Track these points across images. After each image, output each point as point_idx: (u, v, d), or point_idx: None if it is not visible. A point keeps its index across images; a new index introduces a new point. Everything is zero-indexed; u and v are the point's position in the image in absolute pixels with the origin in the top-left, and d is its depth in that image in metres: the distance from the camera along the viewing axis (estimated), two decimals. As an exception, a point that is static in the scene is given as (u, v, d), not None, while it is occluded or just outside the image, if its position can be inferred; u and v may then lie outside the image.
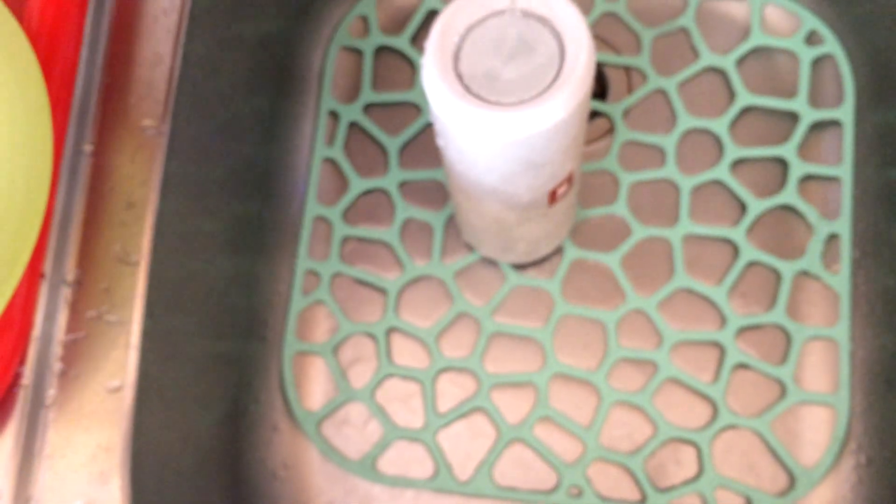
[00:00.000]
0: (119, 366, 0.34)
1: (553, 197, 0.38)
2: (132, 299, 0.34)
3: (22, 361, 0.34)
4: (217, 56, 0.41)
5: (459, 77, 0.31)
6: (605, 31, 0.51)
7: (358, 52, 0.52)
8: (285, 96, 0.50)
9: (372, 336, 0.48)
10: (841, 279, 0.46)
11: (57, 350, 0.34)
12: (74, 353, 0.34)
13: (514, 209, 0.38)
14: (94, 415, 0.34)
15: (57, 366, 0.34)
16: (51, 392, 0.34)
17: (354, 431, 0.47)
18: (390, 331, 0.48)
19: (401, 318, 0.48)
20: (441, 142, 0.35)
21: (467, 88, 0.31)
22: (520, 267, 0.48)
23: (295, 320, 0.48)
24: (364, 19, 0.52)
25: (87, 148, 0.35)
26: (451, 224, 0.49)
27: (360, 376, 0.48)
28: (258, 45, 0.46)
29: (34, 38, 0.34)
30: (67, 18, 0.35)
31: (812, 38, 0.49)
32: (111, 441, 0.33)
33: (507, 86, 0.31)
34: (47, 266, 0.34)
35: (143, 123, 0.36)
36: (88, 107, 0.36)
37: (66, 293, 0.35)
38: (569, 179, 0.38)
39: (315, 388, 0.48)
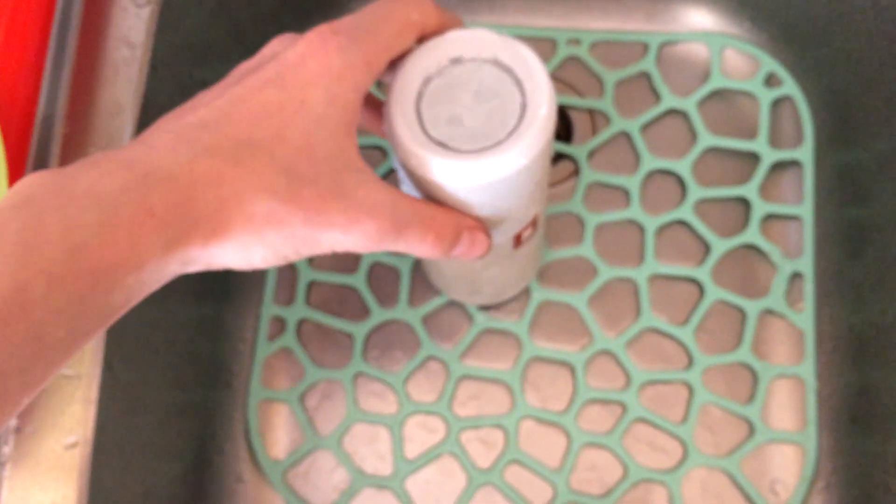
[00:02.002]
0: (76, 421, 0.33)
1: (518, 240, 0.38)
2: (90, 352, 0.34)
3: (-24, 418, 0.33)
4: (179, 103, 0.41)
5: (422, 124, 0.31)
6: (568, 75, 0.52)
7: (323, 97, 0.52)
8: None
9: (339, 382, 0.48)
10: (805, 317, 0.47)
11: (13, 405, 0.34)
12: (30, 409, 0.33)
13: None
14: (51, 472, 0.33)
15: (12, 422, 0.33)
16: (6, 449, 0.33)
17: (322, 480, 0.46)
18: (357, 376, 0.48)
19: (368, 362, 0.48)
20: (405, 188, 0.35)
21: (429, 136, 0.31)
22: (487, 309, 0.48)
23: (260, 367, 0.48)
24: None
25: (45, 199, 0.35)
26: (418, 268, 0.49)
27: (327, 423, 0.47)
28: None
29: (-9, 90, 0.34)
30: (25, 69, 0.35)
31: (771, 80, 0.50)
32: (67, 499, 0.33)
33: (469, 133, 0.31)
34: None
35: (103, 174, 0.35)
36: (47, 158, 0.35)
37: (22, 347, 0.34)
38: (533, 223, 0.38)
39: (281, 437, 0.47)
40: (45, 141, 0.35)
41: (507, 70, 0.31)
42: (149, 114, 0.37)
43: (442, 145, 0.31)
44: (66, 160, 0.35)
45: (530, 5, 0.52)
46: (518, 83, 0.31)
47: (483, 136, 0.31)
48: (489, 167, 0.30)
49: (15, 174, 0.34)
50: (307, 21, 0.51)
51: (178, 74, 0.40)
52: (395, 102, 0.31)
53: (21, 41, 0.35)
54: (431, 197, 0.33)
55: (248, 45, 0.46)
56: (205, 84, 0.44)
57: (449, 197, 0.32)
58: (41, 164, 0.35)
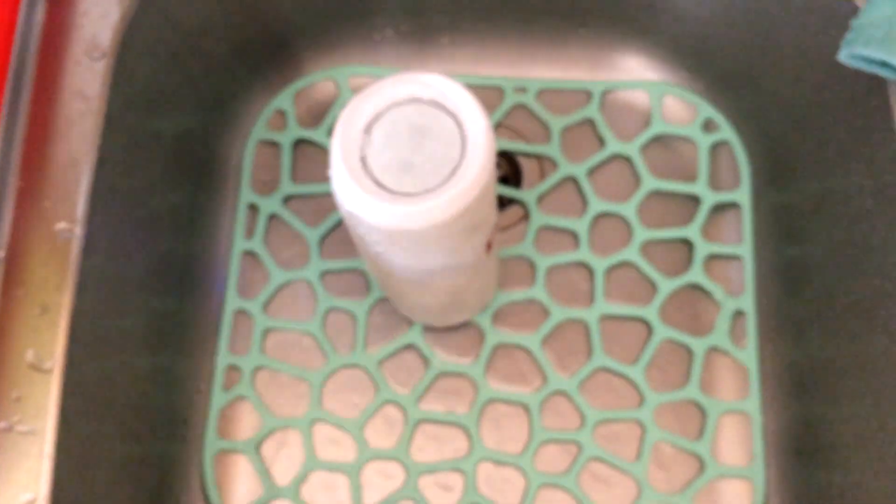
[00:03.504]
0: (32, 477, 0.32)
1: (489, 247, 0.39)
2: (46, 408, 0.33)
3: (-75, 479, 0.32)
4: (134, 154, 0.41)
5: (375, 180, 0.32)
6: (516, 122, 0.53)
7: (276, 145, 0.53)
8: (204, 191, 0.50)
9: (296, 430, 0.48)
10: (748, 354, 0.48)
11: (-36, 464, 0.33)
12: (-17, 467, 0.33)
13: (463, 273, 0.39)
14: (4, 532, 0.32)
15: (-36, 481, 0.33)
16: (-43, 510, 0.32)
17: (280, 530, 0.46)
18: (314, 422, 0.48)
19: (325, 409, 0.48)
20: (379, 248, 0.35)
21: (386, 188, 0.32)
22: (443, 351, 0.49)
23: (216, 418, 0.47)
24: (282, 113, 0.53)
25: (0, 254, 0.35)
26: (374, 312, 0.50)
27: (285, 472, 0.47)
28: (175, 141, 0.46)
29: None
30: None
31: (709, 126, 0.52)
32: (22, 560, 0.32)
33: (422, 170, 0.32)
34: (-46, 376, 0.33)
35: (58, 227, 0.35)
36: (2, 212, 0.35)
37: (-26, 404, 0.33)
38: (496, 228, 0.39)
39: (239, 488, 0.47)
40: (-2, 194, 0.35)
41: (442, 108, 0.33)
42: (104, 167, 0.37)
43: (400, 194, 0.32)
44: (20, 213, 0.35)
45: (478, 55, 0.54)
46: (454, 117, 0.33)
47: (438, 169, 0.32)
48: (462, 192, 0.32)
49: (-33, 228, 0.34)
50: (258, 72, 0.52)
51: (133, 126, 0.40)
52: (342, 167, 0.32)
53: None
54: (416, 242, 0.34)
55: (201, 94, 0.47)
56: (158, 135, 0.44)
57: (434, 233, 0.33)
58: (-6, 217, 0.35)
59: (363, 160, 0.33)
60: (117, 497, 0.39)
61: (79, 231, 0.35)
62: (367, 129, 0.33)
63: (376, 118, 0.33)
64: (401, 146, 0.33)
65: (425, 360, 0.49)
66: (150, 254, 0.43)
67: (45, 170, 0.36)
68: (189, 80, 0.47)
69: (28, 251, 0.35)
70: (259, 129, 0.52)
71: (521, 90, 0.54)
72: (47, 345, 0.34)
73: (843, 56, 0.38)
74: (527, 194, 0.52)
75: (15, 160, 0.36)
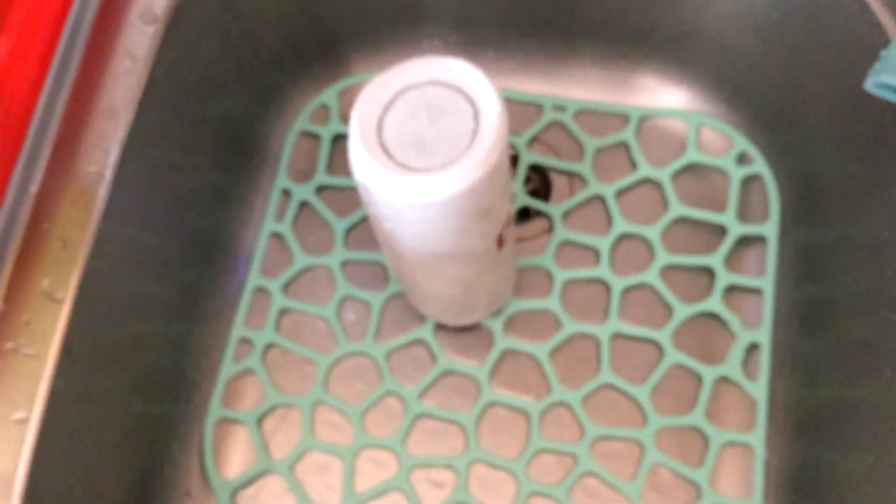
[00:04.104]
0: (28, 398, 0.34)
1: (500, 241, 0.40)
2: (52, 335, 0.35)
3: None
4: (173, 121, 0.43)
5: (388, 154, 0.33)
6: (551, 139, 0.54)
7: (316, 137, 0.55)
8: (240, 170, 0.52)
9: (298, 408, 0.48)
10: (759, 387, 0.47)
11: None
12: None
13: (473, 263, 0.40)
14: (-4, 444, 0.34)
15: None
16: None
17: None
18: (317, 404, 0.49)
19: (329, 392, 0.49)
20: (389, 224, 0.37)
21: (397, 161, 0.33)
22: (452, 350, 0.49)
23: (223, 387, 0.48)
24: (326, 108, 0.55)
25: (33, 188, 0.37)
26: (389, 305, 0.51)
27: (282, 448, 0.48)
28: (218, 118, 0.48)
29: (-5, 82, 0.36)
30: (30, 68, 0.37)
31: (743, 159, 0.52)
32: (8, 472, 0.33)
33: (435, 148, 0.33)
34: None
35: (88, 170, 0.37)
36: (40, 151, 0.38)
37: (-14, 323, 0.35)
38: (507, 222, 0.40)
39: (234, 457, 0.48)
40: (40, 136, 0.38)
41: (458, 90, 0.34)
42: (141, 122, 0.39)
43: (412, 168, 0.33)
44: (57, 154, 0.38)
45: (521, 71, 0.55)
46: (469, 99, 0.34)
47: (449, 148, 0.33)
48: (469, 170, 0.33)
49: (6, 162, 0.36)
50: (307, 66, 0.54)
51: (175, 94, 0.42)
52: (358, 138, 0.33)
53: (30, 44, 0.38)
54: (423, 219, 0.35)
55: (250, 79, 0.49)
56: (202, 109, 0.46)
57: (439, 211, 0.34)
58: (34, 156, 0.37)
59: (379, 134, 0.34)
60: (113, 439, 0.40)
61: (108, 175, 0.37)
62: (387, 106, 0.34)
63: (397, 96, 0.35)
64: (416, 124, 0.34)
65: (433, 357, 0.49)
66: (177, 221, 0.45)
67: (86, 118, 0.38)
68: (238, 63, 0.49)
69: (58, 189, 0.37)
70: (302, 121, 0.55)
71: (560, 108, 0.55)
72: (63, 277, 0.36)
73: (869, 85, 0.38)
74: (554, 208, 0.52)
75: (60, 107, 0.38)
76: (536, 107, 0.55)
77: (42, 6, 0.38)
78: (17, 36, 0.37)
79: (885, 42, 0.40)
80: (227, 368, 0.49)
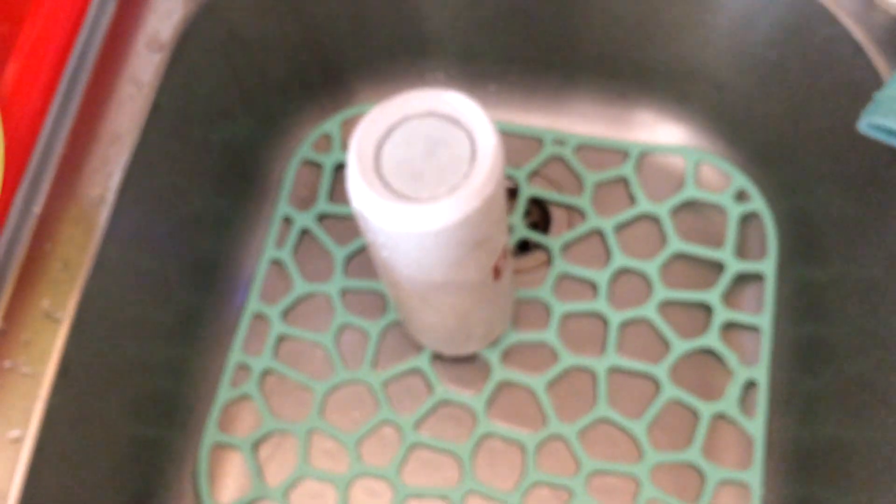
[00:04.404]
0: (24, 416, 0.34)
1: (497, 272, 0.40)
2: (50, 354, 0.35)
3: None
4: (176, 146, 0.44)
5: (386, 183, 0.34)
6: (551, 172, 0.55)
7: (318, 166, 0.55)
8: (243, 198, 0.52)
9: (294, 435, 0.48)
10: (756, 425, 0.47)
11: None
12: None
13: (469, 294, 0.40)
14: (-10, 464, 0.34)
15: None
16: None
17: (261, 530, 0.46)
18: (312, 432, 0.48)
19: (325, 419, 0.49)
20: (385, 253, 0.37)
21: (394, 191, 0.34)
22: (448, 380, 0.49)
23: (219, 411, 0.48)
24: (328, 137, 0.56)
25: (36, 209, 0.37)
26: (387, 334, 0.51)
27: (276, 474, 0.48)
28: (221, 145, 0.49)
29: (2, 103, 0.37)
30: (37, 93, 0.38)
31: (741, 196, 0.53)
32: (2, 491, 0.33)
33: (431, 179, 0.34)
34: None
35: (92, 193, 0.38)
36: (44, 173, 0.38)
37: (-14, 343, 0.35)
38: (504, 254, 0.40)
39: (228, 483, 0.48)
40: (45, 158, 0.38)
41: (454, 121, 0.34)
42: (145, 147, 0.40)
43: (410, 198, 0.34)
44: (61, 176, 0.38)
45: (523, 105, 0.56)
46: (465, 130, 0.34)
47: (445, 178, 0.34)
48: (463, 201, 0.33)
49: (11, 186, 0.37)
50: (311, 95, 0.55)
51: (179, 120, 0.43)
52: (356, 167, 0.34)
53: (38, 69, 0.38)
54: (418, 248, 0.35)
55: (254, 106, 0.50)
56: (205, 135, 0.47)
57: (434, 241, 0.34)
58: (38, 177, 0.38)
59: (377, 164, 0.35)
60: (107, 461, 0.40)
61: (110, 199, 0.38)
62: (385, 136, 0.35)
63: (394, 127, 0.35)
64: (414, 155, 0.34)
65: (429, 387, 0.49)
66: (178, 245, 0.46)
67: (90, 142, 0.39)
68: (243, 90, 0.50)
69: (61, 211, 0.37)
70: (305, 149, 0.55)
71: (561, 143, 0.55)
72: (62, 297, 0.36)
73: (863, 126, 0.38)
74: (552, 241, 0.53)
75: (65, 130, 0.39)
76: (537, 140, 0.55)
77: (51, 33, 0.39)
78: (26, 60, 0.38)
79: (879, 84, 0.41)
80: (224, 393, 0.49)
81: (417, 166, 0.34)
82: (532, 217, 0.55)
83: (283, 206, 0.54)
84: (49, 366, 0.35)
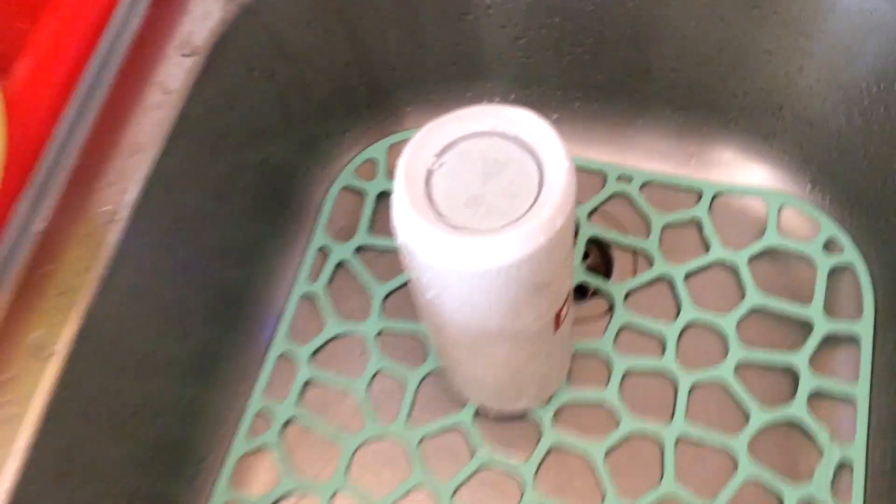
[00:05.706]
0: None
1: (557, 321, 0.35)
2: (35, 394, 0.30)
3: None
4: (203, 164, 0.39)
5: (437, 211, 0.29)
6: (615, 211, 0.49)
7: (360, 194, 0.50)
8: (276, 225, 0.48)
9: (316, 496, 0.43)
10: (851, 512, 0.41)
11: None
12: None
13: (525, 345, 0.35)
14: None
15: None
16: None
17: None
18: (337, 493, 0.43)
19: (352, 480, 0.43)
20: (432, 293, 0.32)
21: (446, 220, 0.29)
22: (493, 440, 0.43)
23: (233, 465, 0.43)
24: (373, 162, 0.51)
25: (38, 225, 0.33)
26: (426, 384, 0.45)
27: (294, 541, 0.42)
28: (257, 164, 0.45)
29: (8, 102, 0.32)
30: (47, 92, 0.34)
31: (830, 246, 0.47)
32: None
33: (490, 208, 0.29)
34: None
35: (102, 209, 0.33)
36: (51, 185, 0.34)
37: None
38: (568, 299, 0.35)
39: (239, 546, 0.42)
40: (53, 168, 0.34)
41: (518, 141, 0.29)
42: (168, 160, 0.35)
43: (462, 229, 0.28)
44: (71, 190, 0.34)
45: (585, 136, 0.51)
46: (530, 151, 0.29)
47: (506, 209, 0.29)
48: (527, 237, 0.28)
49: (11, 198, 0.32)
50: (357, 116, 0.50)
51: (208, 135, 0.38)
52: (403, 192, 0.29)
53: (54, 67, 0.34)
54: (470, 290, 0.30)
55: (294, 125, 0.45)
56: (238, 152, 0.42)
57: (488, 282, 0.29)
58: (43, 191, 0.33)
59: (428, 188, 0.29)
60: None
61: (123, 216, 0.33)
62: (438, 157, 0.30)
63: (450, 146, 0.30)
64: (471, 179, 0.29)
65: (471, 448, 0.44)
66: (199, 273, 0.41)
67: (106, 152, 0.34)
68: (284, 107, 0.46)
69: (67, 228, 0.33)
70: (346, 175, 0.51)
71: (626, 179, 0.50)
72: (57, 327, 0.31)
73: None
74: (614, 287, 0.47)
75: (79, 138, 0.34)
76: (600, 176, 0.50)
77: (72, 30, 0.35)
78: (40, 56, 0.34)
79: None
80: (240, 444, 0.44)
81: (475, 192, 0.29)
82: (591, 259, 0.49)
83: (320, 236, 0.49)
84: (32, 408, 0.30)
